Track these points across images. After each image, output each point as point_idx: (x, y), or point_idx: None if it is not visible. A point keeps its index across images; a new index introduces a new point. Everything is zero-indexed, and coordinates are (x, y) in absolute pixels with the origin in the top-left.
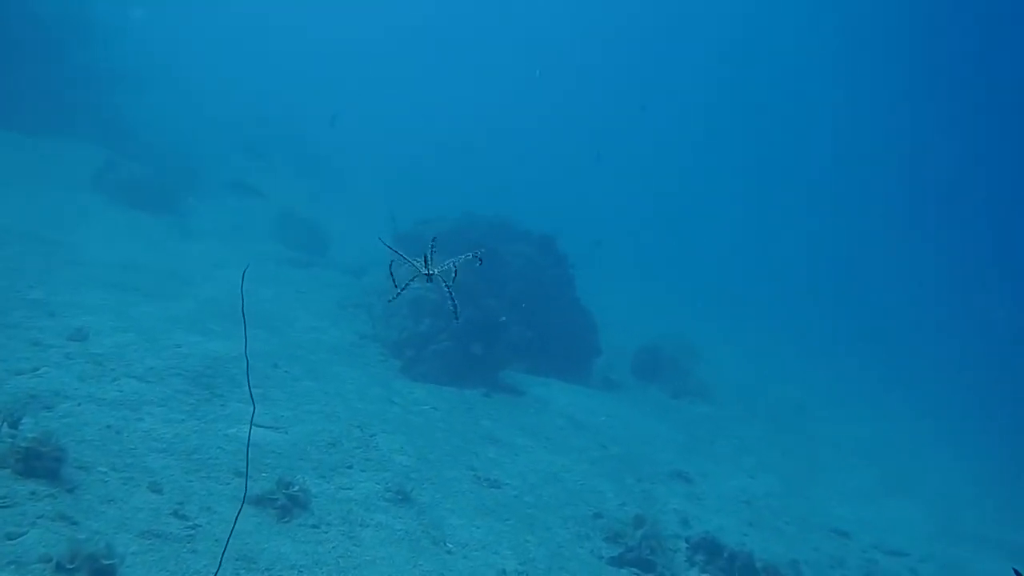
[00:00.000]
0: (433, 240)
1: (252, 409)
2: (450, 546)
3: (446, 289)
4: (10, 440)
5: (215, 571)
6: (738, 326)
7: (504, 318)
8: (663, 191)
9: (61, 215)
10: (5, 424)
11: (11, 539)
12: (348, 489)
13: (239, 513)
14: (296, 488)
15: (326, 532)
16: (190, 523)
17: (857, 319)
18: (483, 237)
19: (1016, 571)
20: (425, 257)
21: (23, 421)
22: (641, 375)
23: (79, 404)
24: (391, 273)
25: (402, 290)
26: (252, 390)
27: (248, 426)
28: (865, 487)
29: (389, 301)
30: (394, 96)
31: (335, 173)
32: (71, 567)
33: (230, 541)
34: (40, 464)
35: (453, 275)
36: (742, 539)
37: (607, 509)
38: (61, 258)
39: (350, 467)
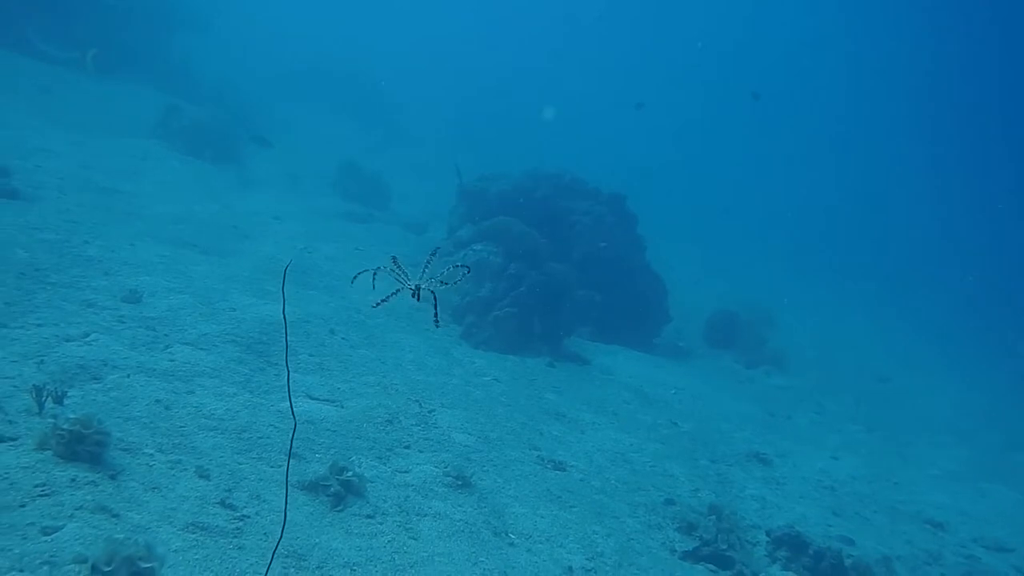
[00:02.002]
0: (433, 253)
1: (294, 390)
2: (512, 537)
3: (433, 299)
4: (53, 420)
5: (263, 571)
6: (806, 289)
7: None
8: (720, 154)
9: (122, 163)
10: (50, 399)
11: (47, 534)
12: (405, 473)
13: (285, 514)
14: (350, 473)
15: (381, 523)
16: (238, 514)
17: (931, 283)
18: (549, 195)
19: None
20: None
21: (69, 395)
22: (713, 343)
23: (128, 375)
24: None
25: (383, 301)
26: (308, 357)
27: (303, 402)
28: (959, 469)
29: (374, 306)
30: (459, 48)
31: (399, 125)
32: (107, 570)
33: (277, 536)
34: (82, 448)
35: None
36: (827, 531)
37: (679, 495)
38: (120, 210)
39: (407, 447)
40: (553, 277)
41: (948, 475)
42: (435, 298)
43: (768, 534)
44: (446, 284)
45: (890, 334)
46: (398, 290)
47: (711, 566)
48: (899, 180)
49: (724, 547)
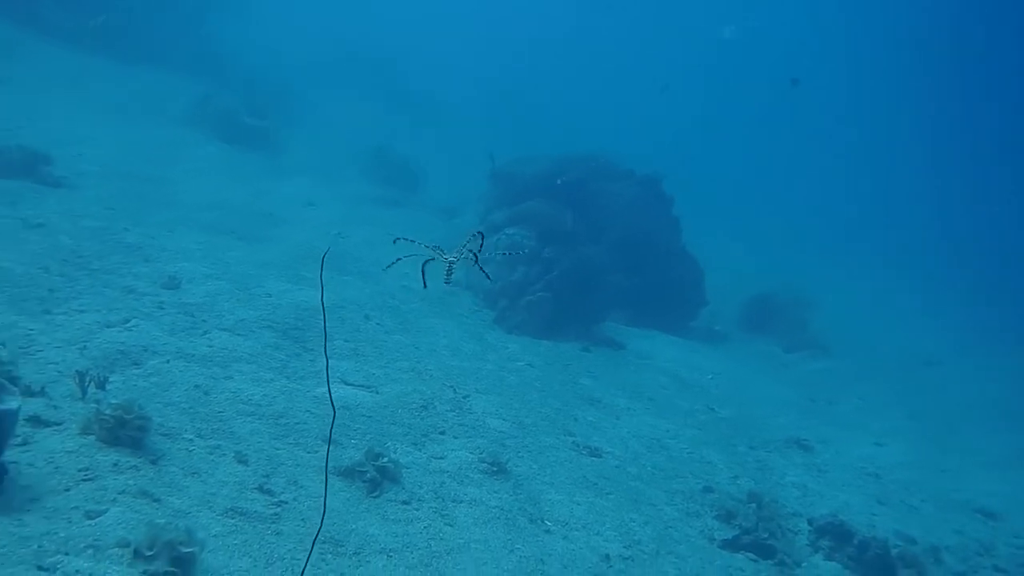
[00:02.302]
0: (478, 233)
1: (331, 376)
2: (548, 524)
3: (478, 266)
4: (95, 405)
5: (300, 557)
6: (847, 273)
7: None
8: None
9: (159, 150)
10: (93, 385)
11: (91, 518)
12: (440, 459)
13: (325, 503)
14: (386, 459)
15: (417, 510)
16: (275, 499)
17: (976, 262)
18: (582, 176)
19: None
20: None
21: (111, 380)
22: (749, 327)
23: (168, 361)
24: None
25: (425, 280)
26: (343, 343)
27: (338, 387)
28: (1010, 456)
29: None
30: (487, 32)
31: (429, 109)
32: (149, 554)
33: (317, 523)
34: (124, 433)
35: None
36: (871, 519)
37: (718, 482)
38: (158, 197)
39: (442, 433)
40: (586, 261)
41: (999, 462)
42: (476, 257)
43: (810, 523)
44: (483, 269)
45: (935, 318)
46: (432, 258)
47: (751, 555)
48: (939, 167)
49: (765, 536)
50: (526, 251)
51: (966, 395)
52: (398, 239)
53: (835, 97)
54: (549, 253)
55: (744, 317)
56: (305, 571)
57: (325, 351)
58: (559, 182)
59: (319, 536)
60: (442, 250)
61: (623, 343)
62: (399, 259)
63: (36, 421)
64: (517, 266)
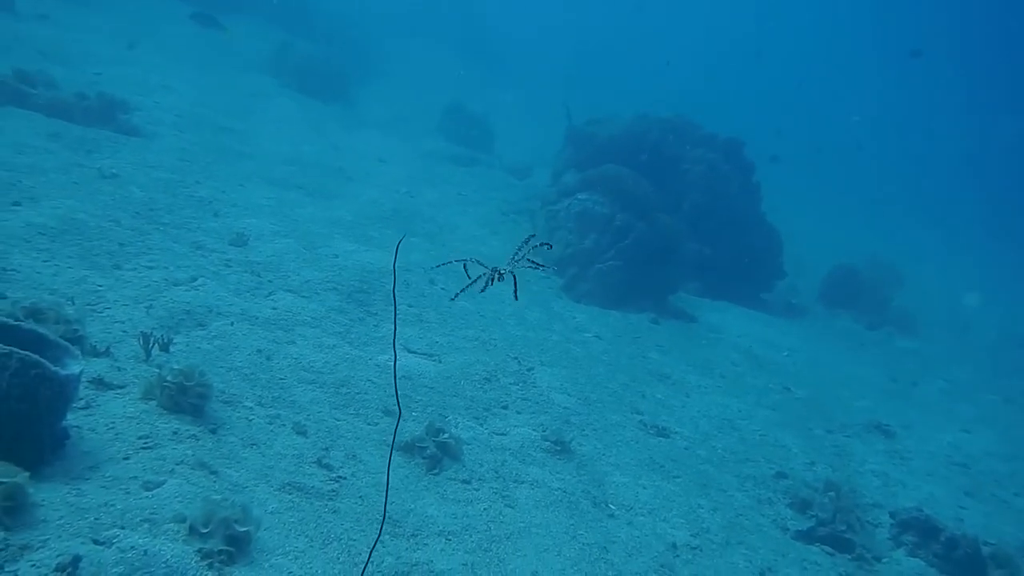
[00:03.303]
0: (528, 239)
1: (397, 355)
2: (613, 509)
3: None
4: (158, 369)
5: (357, 537)
6: (935, 246)
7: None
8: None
9: (236, 100)
10: (156, 347)
11: (148, 490)
12: (502, 435)
13: (387, 490)
14: (447, 435)
15: (477, 490)
16: (334, 474)
17: None
18: (660, 139)
19: None
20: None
21: (175, 342)
22: (830, 301)
23: (232, 323)
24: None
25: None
26: (407, 308)
27: (401, 355)
28: None
29: (452, 299)
30: None
31: (505, 64)
32: (205, 531)
33: (375, 502)
34: (185, 400)
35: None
36: (959, 513)
37: (792, 468)
38: (232, 149)
39: (505, 408)
40: (662, 229)
41: None
42: (515, 280)
43: (892, 516)
44: (535, 264)
45: None
46: (479, 278)
47: (828, 548)
48: None
49: (842, 528)
50: (598, 219)
51: None
52: (461, 261)
53: (920, 64)
54: (622, 220)
55: (824, 291)
56: (364, 556)
57: (394, 341)
58: (631, 146)
59: (377, 515)
60: (496, 269)
61: (695, 315)
62: (468, 285)
63: (99, 383)
64: (588, 233)
